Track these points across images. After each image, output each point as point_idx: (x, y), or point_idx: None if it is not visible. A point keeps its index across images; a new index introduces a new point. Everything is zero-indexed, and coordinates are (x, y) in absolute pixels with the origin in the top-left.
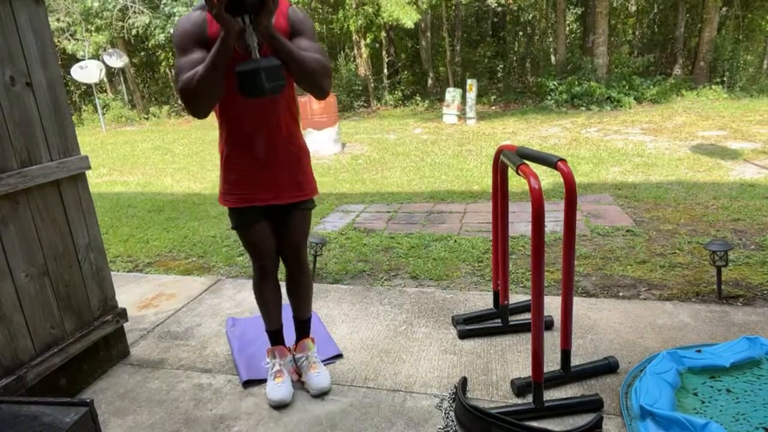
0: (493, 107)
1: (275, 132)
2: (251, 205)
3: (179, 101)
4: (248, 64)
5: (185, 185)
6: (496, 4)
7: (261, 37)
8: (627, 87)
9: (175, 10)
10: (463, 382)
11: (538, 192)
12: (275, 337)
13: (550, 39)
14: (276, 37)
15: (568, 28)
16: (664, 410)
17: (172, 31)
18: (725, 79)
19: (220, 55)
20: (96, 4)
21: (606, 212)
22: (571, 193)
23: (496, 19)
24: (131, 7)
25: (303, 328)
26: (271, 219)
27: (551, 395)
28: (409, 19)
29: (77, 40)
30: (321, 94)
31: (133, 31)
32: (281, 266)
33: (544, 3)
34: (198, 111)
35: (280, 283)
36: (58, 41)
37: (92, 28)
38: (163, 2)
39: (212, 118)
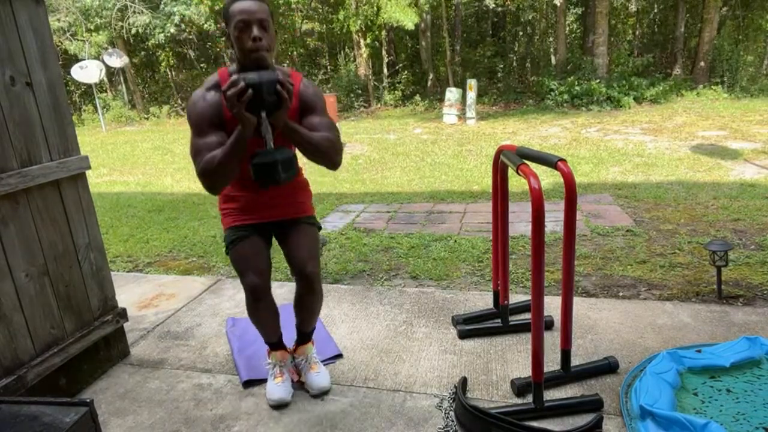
0: (493, 107)
1: None
2: (250, 223)
3: (179, 101)
4: (265, 157)
5: (185, 185)
6: (494, 5)
7: (276, 127)
8: (627, 87)
9: (175, 9)
10: (463, 382)
11: (538, 192)
12: (275, 346)
13: (550, 39)
14: (291, 128)
15: (568, 28)
16: (664, 410)
17: (172, 30)
18: (725, 79)
19: (237, 146)
20: (96, 3)
21: (606, 212)
22: (571, 193)
23: (496, 19)
24: (130, 6)
25: (304, 337)
26: (269, 239)
27: (551, 395)
28: (409, 20)
29: (78, 40)
30: (332, 168)
31: (133, 30)
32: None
33: (543, 4)
34: (215, 189)
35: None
36: (59, 41)
37: (92, 27)
38: (164, 2)
39: None
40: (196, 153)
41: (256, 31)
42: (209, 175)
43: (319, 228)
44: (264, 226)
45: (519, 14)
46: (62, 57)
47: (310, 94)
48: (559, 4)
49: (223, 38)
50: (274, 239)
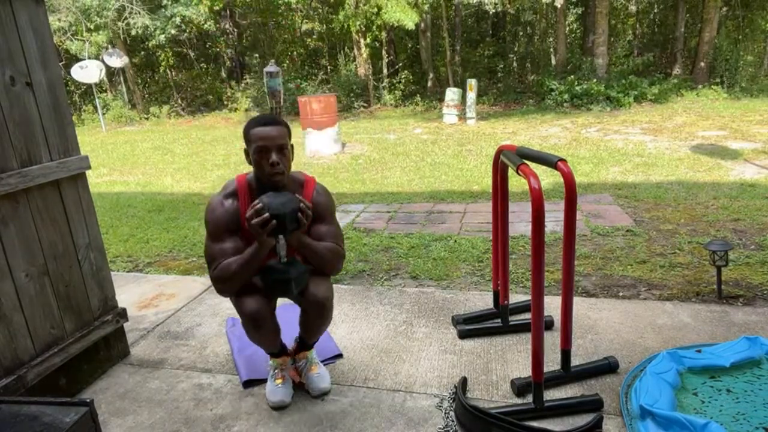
0: (493, 107)
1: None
2: None
3: (179, 101)
4: (280, 275)
5: (185, 185)
6: (493, 8)
7: (290, 245)
8: (627, 87)
9: (175, 11)
10: (463, 382)
11: (538, 192)
12: (276, 354)
13: (550, 39)
14: (302, 243)
15: (568, 28)
16: (664, 410)
17: (172, 31)
18: (725, 79)
19: (253, 261)
20: (95, 3)
21: (606, 212)
22: (571, 193)
23: (496, 19)
24: (128, 8)
25: (307, 345)
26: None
27: (551, 395)
28: (409, 20)
29: (78, 40)
30: (332, 275)
31: (133, 32)
32: None
33: (543, 5)
34: (228, 293)
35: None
36: (60, 41)
37: (92, 27)
38: (164, 3)
39: (212, 118)
40: (211, 258)
41: (274, 157)
42: (223, 282)
43: None
44: None
45: (519, 14)
46: (65, 56)
47: (322, 203)
48: (559, 6)
49: (223, 37)
50: None
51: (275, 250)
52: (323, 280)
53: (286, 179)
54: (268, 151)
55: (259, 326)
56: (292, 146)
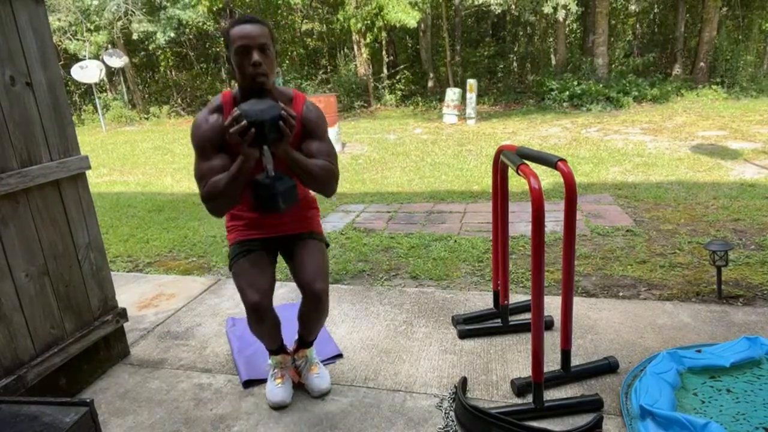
0: (493, 107)
1: None
2: (255, 238)
3: (179, 101)
4: (265, 190)
5: (185, 185)
6: (499, 9)
7: (277, 156)
8: (627, 87)
9: (173, 13)
10: (463, 381)
11: (538, 192)
12: (276, 351)
13: (550, 39)
14: (291, 157)
15: (568, 28)
16: (664, 410)
17: (171, 34)
18: (725, 79)
19: (239, 174)
20: (95, 3)
21: (606, 212)
22: (571, 193)
23: (496, 19)
24: (129, 12)
25: (306, 343)
26: (275, 255)
27: (551, 395)
28: (411, 18)
29: (78, 40)
30: (326, 196)
31: (134, 36)
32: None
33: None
34: (219, 213)
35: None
36: (59, 41)
37: (92, 28)
38: (163, 5)
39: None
40: (200, 177)
41: (256, 56)
42: (213, 200)
43: (327, 245)
44: (270, 242)
45: (519, 14)
46: (64, 56)
47: (312, 119)
48: (560, 18)
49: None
50: (280, 256)
51: (262, 163)
52: (321, 271)
53: (270, 83)
54: (249, 50)
55: (261, 317)
56: (276, 51)
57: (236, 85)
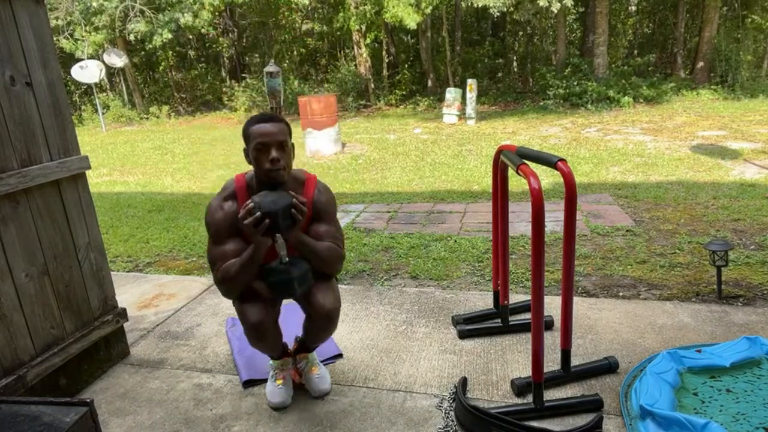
0: (493, 107)
1: None
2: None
3: (179, 101)
4: (281, 275)
5: (185, 185)
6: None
7: (288, 242)
8: (627, 87)
9: (176, 15)
10: (463, 382)
11: (538, 192)
12: (278, 356)
13: (550, 39)
14: (301, 241)
15: (568, 28)
16: (664, 410)
17: (169, 36)
18: (725, 79)
19: (252, 262)
20: (95, 4)
21: (606, 212)
22: (571, 193)
23: (496, 19)
24: (131, 10)
25: (308, 349)
26: None
27: (551, 395)
28: (411, 20)
29: (76, 39)
30: (331, 275)
31: (132, 37)
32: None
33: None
34: (232, 295)
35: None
36: (57, 40)
37: (91, 29)
38: (163, 6)
39: (212, 118)
40: (213, 261)
41: (274, 153)
42: (225, 285)
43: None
44: None
45: (517, 15)
46: (60, 55)
47: (322, 201)
48: (555, 11)
49: (223, 37)
50: None
51: (276, 249)
52: (331, 290)
53: (286, 176)
54: (268, 147)
55: (262, 337)
56: (292, 145)
57: (250, 171)
